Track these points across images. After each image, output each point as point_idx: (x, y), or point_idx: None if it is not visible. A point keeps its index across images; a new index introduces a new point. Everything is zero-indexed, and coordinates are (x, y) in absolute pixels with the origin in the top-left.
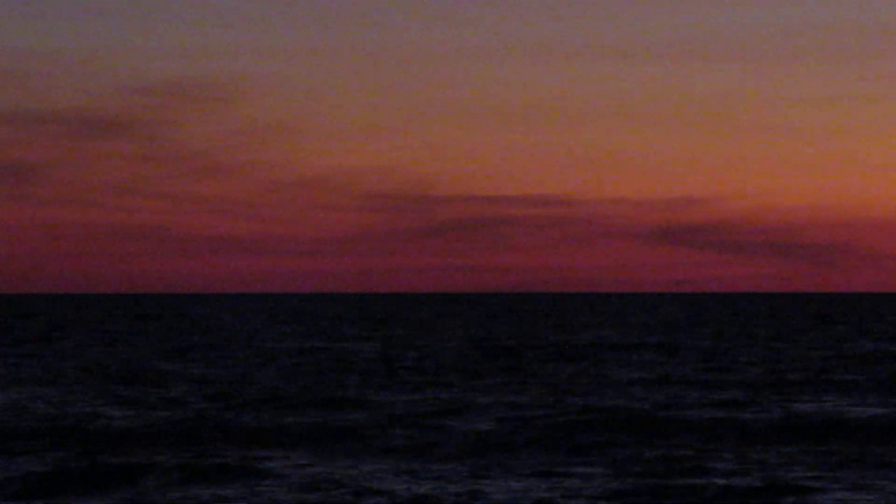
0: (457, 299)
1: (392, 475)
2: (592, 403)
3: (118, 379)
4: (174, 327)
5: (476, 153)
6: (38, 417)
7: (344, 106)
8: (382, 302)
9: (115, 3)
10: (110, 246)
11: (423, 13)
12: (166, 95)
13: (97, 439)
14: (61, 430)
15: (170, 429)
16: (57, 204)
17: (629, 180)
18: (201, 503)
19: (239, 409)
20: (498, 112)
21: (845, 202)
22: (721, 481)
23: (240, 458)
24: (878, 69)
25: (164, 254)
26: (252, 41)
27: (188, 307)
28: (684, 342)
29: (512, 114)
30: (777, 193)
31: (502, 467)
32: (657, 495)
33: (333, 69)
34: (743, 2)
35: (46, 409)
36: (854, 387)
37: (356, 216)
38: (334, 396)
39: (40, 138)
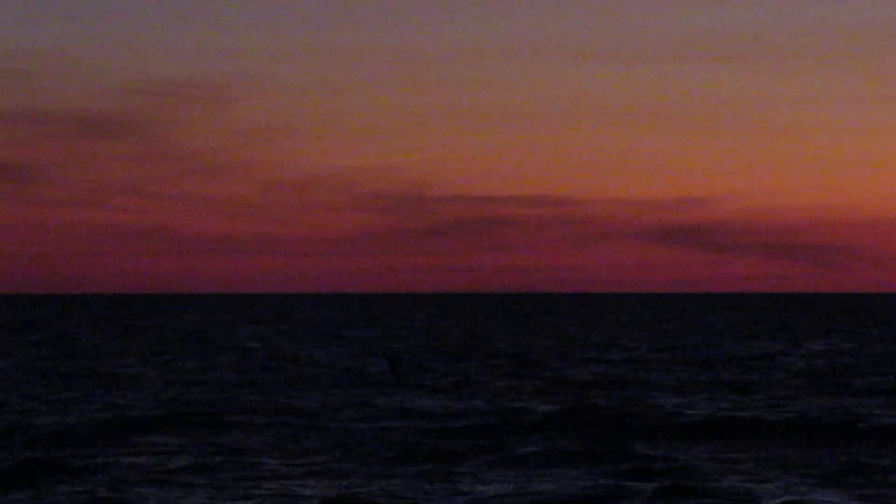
0: (457, 299)
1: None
2: (501, 405)
3: (42, 379)
4: (143, 328)
5: (475, 153)
6: None
7: (344, 106)
8: (382, 302)
9: (115, 3)
10: (110, 246)
11: (423, 13)
12: (166, 95)
13: None
14: None
15: (50, 427)
16: (57, 204)
17: (629, 180)
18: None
19: (148, 408)
20: (497, 112)
21: (845, 202)
22: (607, 482)
23: (105, 456)
24: (879, 69)
25: (164, 254)
26: (251, 41)
27: (177, 307)
28: (631, 344)
29: (511, 114)
30: (777, 193)
31: (368, 471)
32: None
33: (333, 69)
34: (743, 2)
35: None
36: (759, 387)
37: (356, 216)
38: (250, 400)
39: (40, 138)
